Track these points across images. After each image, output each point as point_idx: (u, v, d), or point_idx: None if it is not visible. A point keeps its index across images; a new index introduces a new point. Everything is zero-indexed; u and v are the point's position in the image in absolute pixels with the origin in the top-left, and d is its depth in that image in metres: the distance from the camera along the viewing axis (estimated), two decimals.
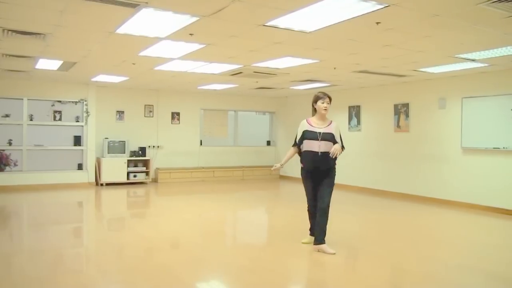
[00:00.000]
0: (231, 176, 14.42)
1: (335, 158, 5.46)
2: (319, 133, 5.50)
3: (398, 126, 10.84)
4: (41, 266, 4.92)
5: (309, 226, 5.93)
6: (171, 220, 7.81)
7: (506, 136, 8.45)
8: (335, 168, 5.63)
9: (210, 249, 5.85)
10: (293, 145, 5.76)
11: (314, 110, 5.67)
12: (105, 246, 6.04)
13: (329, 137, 5.49)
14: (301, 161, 5.67)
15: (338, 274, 4.98)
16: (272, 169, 5.99)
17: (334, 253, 5.42)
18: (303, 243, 5.88)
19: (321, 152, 5.45)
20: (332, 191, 5.55)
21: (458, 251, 5.93)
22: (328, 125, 5.59)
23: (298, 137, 5.66)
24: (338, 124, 5.76)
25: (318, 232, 5.54)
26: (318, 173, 5.54)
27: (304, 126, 5.64)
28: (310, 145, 5.51)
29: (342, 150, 5.49)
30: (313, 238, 5.70)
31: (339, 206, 9.69)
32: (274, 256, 5.51)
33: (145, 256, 5.54)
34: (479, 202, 8.96)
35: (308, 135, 5.54)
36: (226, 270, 5.04)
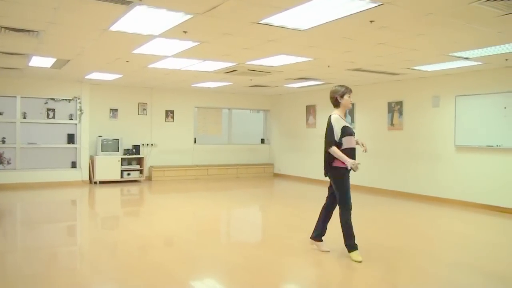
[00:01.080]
0: (225, 174, 14.41)
1: None
2: (353, 128, 5.35)
3: (392, 124, 10.87)
4: (35, 264, 4.90)
5: (352, 239, 5.29)
6: (165, 218, 7.80)
7: (499, 134, 8.49)
8: None
9: (204, 247, 5.85)
10: (334, 144, 5.17)
11: (337, 105, 5.35)
12: (99, 244, 6.03)
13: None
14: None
15: (333, 272, 4.99)
16: (354, 166, 5.10)
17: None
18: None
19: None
20: None
21: (452, 249, 5.96)
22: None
23: (339, 134, 5.17)
24: None
25: (321, 228, 5.55)
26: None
27: (341, 121, 5.23)
28: (351, 142, 5.25)
29: None
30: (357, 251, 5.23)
31: None
32: (269, 254, 5.51)
33: (139, 254, 5.53)
34: (473, 200, 9.00)
35: (348, 130, 5.22)
36: (220, 268, 5.04)
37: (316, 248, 5.54)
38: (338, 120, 5.22)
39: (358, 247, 5.23)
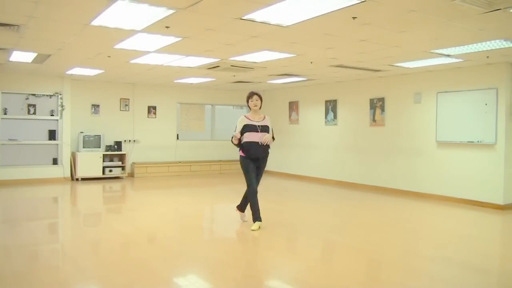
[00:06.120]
0: (208, 170, 14.39)
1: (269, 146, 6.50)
2: (258, 126, 6.41)
3: (374, 120, 10.94)
4: (16, 263, 4.84)
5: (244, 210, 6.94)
6: (148, 214, 7.76)
7: (480, 130, 8.61)
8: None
9: (187, 243, 5.84)
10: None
11: (249, 107, 6.55)
12: (81, 241, 5.98)
13: (266, 129, 6.46)
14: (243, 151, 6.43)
15: (315, 266, 5.01)
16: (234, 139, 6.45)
17: (246, 221, 6.75)
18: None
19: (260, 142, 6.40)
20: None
21: (433, 243, 6.04)
22: (264, 119, 6.55)
23: (240, 130, 6.39)
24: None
25: (244, 203, 6.87)
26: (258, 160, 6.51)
27: (244, 121, 6.42)
28: (251, 137, 6.36)
29: (273, 140, 6.57)
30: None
31: (316, 199, 9.77)
32: (251, 249, 5.53)
33: (122, 251, 5.50)
34: (454, 195, 9.12)
35: (248, 128, 6.37)
36: (203, 264, 5.03)
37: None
38: (241, 120, 6.44)
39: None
